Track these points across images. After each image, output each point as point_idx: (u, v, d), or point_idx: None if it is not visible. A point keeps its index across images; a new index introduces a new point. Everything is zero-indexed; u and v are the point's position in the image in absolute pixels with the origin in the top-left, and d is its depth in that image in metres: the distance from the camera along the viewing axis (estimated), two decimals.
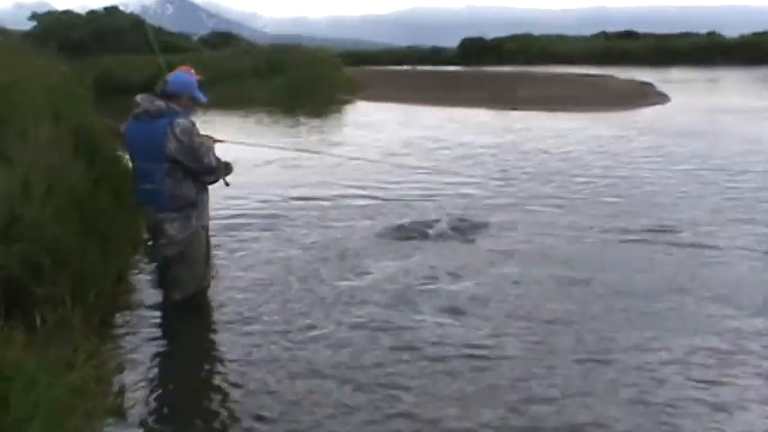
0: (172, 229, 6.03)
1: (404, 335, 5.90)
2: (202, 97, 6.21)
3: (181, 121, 5.84)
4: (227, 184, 6.49)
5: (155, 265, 6.62)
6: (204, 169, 5.97)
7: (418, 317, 6.29)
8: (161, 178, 5.87)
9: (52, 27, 46.77)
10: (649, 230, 8.96)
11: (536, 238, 8.74)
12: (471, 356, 5.49)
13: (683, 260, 7.82)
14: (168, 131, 5.76)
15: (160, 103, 5.89)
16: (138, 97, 5.98)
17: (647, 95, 29.44)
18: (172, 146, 5.77)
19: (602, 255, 8.09)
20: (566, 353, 5.56)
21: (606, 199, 10.84)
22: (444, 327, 6.07)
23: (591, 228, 9.12)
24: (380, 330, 5.99)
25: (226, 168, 6.37)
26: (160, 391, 5.07)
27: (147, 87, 6.23)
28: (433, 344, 5.72)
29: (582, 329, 5.99)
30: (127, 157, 6.50)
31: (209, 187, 6.31)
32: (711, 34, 65.48)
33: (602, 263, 7.76)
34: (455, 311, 6.40)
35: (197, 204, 6.10)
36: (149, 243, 6.61)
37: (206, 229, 6.40)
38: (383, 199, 10.91)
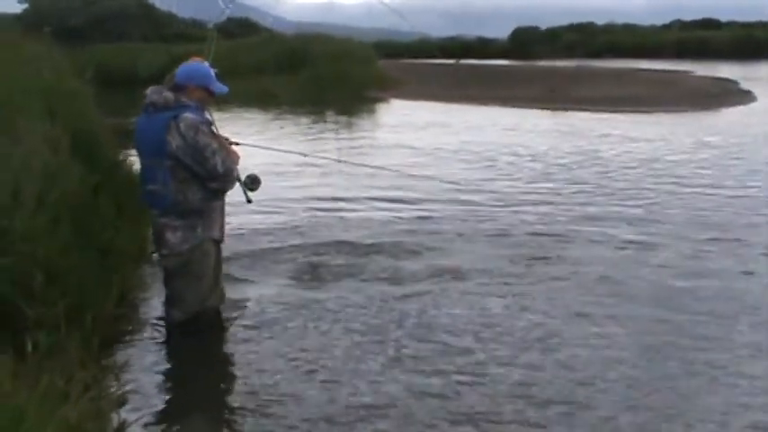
0: (173, 237, 6.02)
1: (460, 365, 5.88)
2: (220, 88, 6.18)
3: (188, 115, 5.82)
4: (248, 201, 6.49)
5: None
6: (209, 174, 5.92)
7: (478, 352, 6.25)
8: (163, 179, 5.86)
9: (46, 11, 47.29)
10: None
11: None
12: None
13: None
14: (171, 125, 5.76)
15: (168, 95, 5.90)
16: (148, 89, 6.01)
17: (729, 94, 29.18)
18: (174, 142, 5.76)
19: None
20: None
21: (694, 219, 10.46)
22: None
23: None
24: (411, 361, 5.98)
25: (252, 183, 6.37)
26: (165, 430, 5.07)
27: (157, 80, 6.27)
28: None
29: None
30: (131, 160, 6.55)
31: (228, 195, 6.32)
32: None
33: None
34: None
35: (204, 212, 6.09)
36: (154, 253, 6.63)
37: (217, 242, 6.38)
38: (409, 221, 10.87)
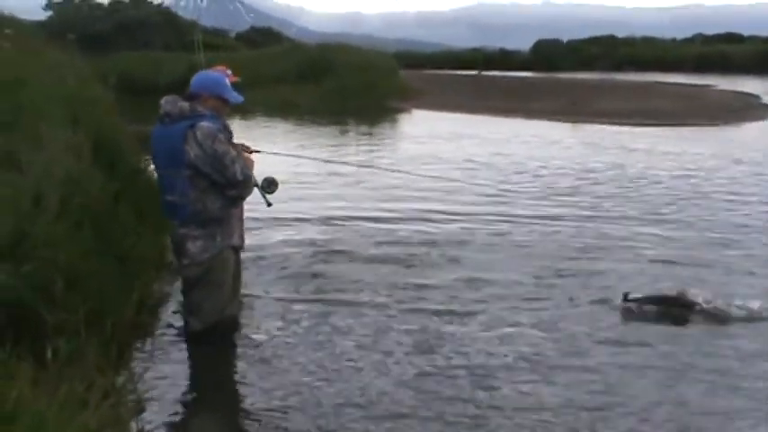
0: (194, 247, 6.02)
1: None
2: (235, 97, 6.19)
3: (204, 124, 5.82)
4: (268, 204, 6.51)
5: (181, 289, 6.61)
6: (228, 182, 5.92)
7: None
8: (182, 189, 5.86)
9: (70, 18, 47.58)
10: None
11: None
12: None
13: None
14: (188, 135, 5.76)
15: (183, 105, 5.91)
16: (163, 100, 6.01)
17: (751, 109, 29.06)
18: (192, 152, 5.76)
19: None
20: None
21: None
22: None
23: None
24: (433, 372, 5.94)
25: (269, 186, 6.39)
26: None
27: (178, 88, 6.28)
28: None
29: None
30: (153, 167, 6.56)
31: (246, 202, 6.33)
32: None
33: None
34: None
35: (223, 221, 6.09)
36: (174, 263, 6.62)
37: (237, 250, 6.39)
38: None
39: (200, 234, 6.00)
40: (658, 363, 6.20)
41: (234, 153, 5.94)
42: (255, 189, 6.37)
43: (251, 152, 6.45)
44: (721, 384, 5.82)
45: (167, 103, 5.95)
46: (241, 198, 6.21)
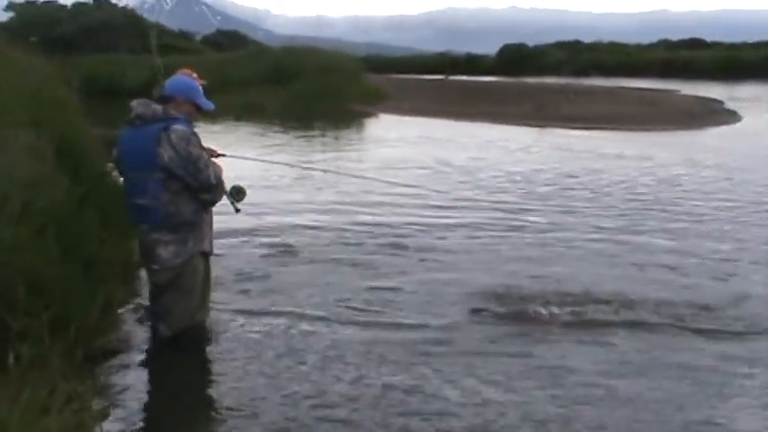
0: (165, 252, 5.99)
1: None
2: (207, 104, 6.21)
3: (178, 127, 5.82)
4: (237, 210, 6.49)
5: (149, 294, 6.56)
6: (201, 185, 5.92)
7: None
8: (154, 192, 5.83)
9: (32, 19, 47.17)
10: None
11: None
12: None
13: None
14: (162, 137, 5.75)
15: (157, 108, 5.90)
16: (134, 102, 5.98)
17: (714, 114, 29.36)
18: (166, 154, 5.74)
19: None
20: None
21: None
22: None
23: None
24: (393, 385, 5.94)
25: (238, 194, 6.38)
26: None
27: (143, 91, 6.26)
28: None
29: None
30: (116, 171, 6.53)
31: (216, 207, 6.31)
32: None
33: None
34: None
35: (195, 225, 6.08)
36: (142, 269, 6.58)
37: (207, 255, 6.38)
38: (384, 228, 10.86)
39: (171, 239, 5.98)
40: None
41: (207, 157, 5.96)
42: (224, 196, 6.37)
43: (217, 156, 6.44)
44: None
45: (140, 105, 5.93)
46: (213, 202, 6.20)
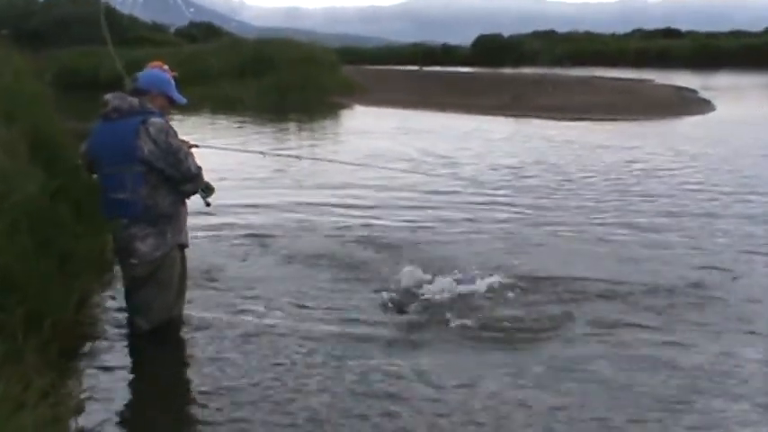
0: (144, 246, 5.99)
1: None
2: (179, 98, 6.23)
3: (156, 120, 5.83)
4: (207, 205, 6.46)
5: (123, 288, 6.53)
6: (183, 176, 5.94)
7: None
8: (133, 185, 5.83)
9: (3, 13, 46.82)
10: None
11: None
12: None
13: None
14: (141, 130, 5.75)
15: (133, 100, 5.91)
16: (108, 95, 5.96)
17: (688, 103, 29.52)
18: (146, 147, 5.75)
19: None
20: None
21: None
22: None
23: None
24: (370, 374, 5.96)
25: (206, 190, 6.34)
26: None
27: (117, 84, 6.25)
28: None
29: None
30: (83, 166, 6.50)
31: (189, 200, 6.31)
32: (766, 33, 65.28)
33: None
34: None
35: (173, 217, 6.08)
36: (117, 263, 6.56)
37: (182, 248, 6.37)
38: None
39: (150, 232, 5.98)
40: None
41: (186, 148, 5.99)
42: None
43: (191, 147, 6.43)
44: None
45: (116, 98, 5.92)
46: (193, 192, 6.20)
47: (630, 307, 7.27)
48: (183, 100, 6.24)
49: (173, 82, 6.19)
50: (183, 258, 6.43)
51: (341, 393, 5.51)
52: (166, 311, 6.24)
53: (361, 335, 6.58)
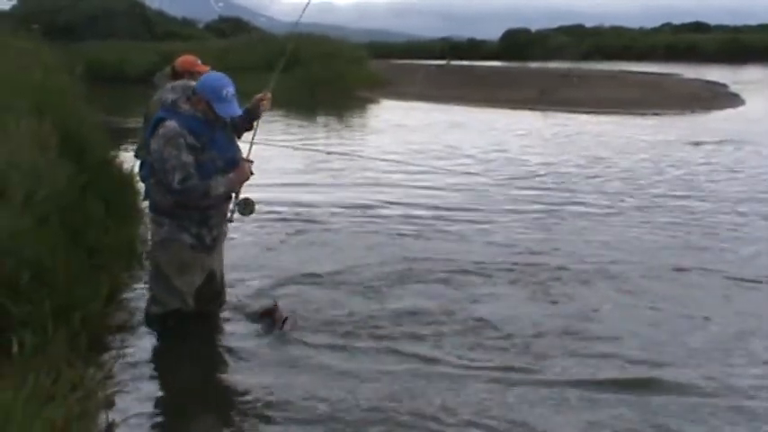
0: (149, 230, 6.29)
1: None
2: (222, 110, 5.86)
3: (168, 123, 5.71)
4: (229, 221, 6.24)
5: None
6: (167, 187, 5.77)
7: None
8: (146, 173, 6.13)
9: (35, 8, 47.12)
10: None
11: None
12: None
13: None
14: (156, 128, 5.78)
15: (166, 97, 5.88)
16: (168, 85, 6.16)
17: (718, 97, 29.28)
18: (153, 144, 5.77)
19: None
20: None
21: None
22: None
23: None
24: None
25: (245, 206, 6.10)
26: (154, 430, 5.01)
27: (146, 78, 6.25)
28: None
29: None
30: (120, 158, 6.54)
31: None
32: None
33: None
34: None
35: (174, 215, 5.95)
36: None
37: (193, 248, 6.11)
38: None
39: (153, 219, 6.11)
40: None
41: (181, 161, 5.68)
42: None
43: (246, 161, 6.15)
44: None
45: (166, 89, 6.04)
46: (184, 205, 5.92)
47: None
48: (227, 113, 5.91)
49: (225, 94, 5.87)
50: (198, 258, 6.13)
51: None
52: (169, 301, 6.11)
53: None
